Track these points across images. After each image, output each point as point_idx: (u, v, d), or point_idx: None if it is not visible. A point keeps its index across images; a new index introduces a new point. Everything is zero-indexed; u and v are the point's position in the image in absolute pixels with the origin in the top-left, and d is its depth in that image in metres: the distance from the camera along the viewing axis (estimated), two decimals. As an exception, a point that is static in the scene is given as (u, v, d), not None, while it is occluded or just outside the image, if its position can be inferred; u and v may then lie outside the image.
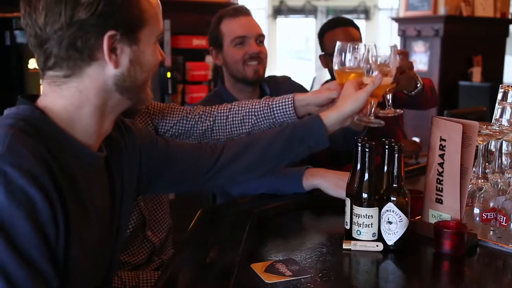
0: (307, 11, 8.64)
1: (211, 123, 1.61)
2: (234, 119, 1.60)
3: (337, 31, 2.25)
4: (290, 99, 1.55)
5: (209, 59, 4.13)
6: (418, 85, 1.90)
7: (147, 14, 1.03)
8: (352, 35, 2.23)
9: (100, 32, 0.96)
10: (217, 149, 1.35)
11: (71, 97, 1.00)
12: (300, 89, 2.16)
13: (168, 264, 1.24)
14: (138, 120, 1.60)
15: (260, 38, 1.95)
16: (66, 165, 0.95)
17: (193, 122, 1.62)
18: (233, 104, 1.64)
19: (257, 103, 1.60)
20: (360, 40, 2.24)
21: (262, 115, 1.58)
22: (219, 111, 1.62)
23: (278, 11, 8.55)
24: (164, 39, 3.71)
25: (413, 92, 1.91)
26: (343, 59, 1.50)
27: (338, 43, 1.51)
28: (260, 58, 1.93)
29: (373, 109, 1.47)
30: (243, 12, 1.96)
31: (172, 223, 1.74)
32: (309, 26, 8.84)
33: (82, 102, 1.00)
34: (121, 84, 1.02)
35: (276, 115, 1.57)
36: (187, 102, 4.10)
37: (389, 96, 1.61)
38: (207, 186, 1.41)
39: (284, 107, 1.56)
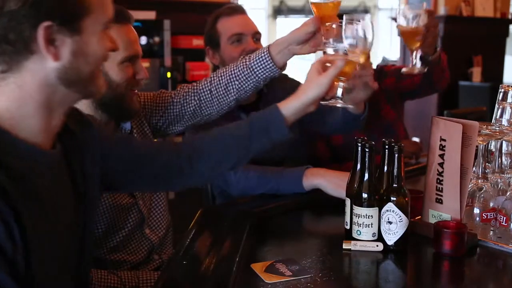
0: (307, 11, 8.62)
1: (197, 102, 1.63)
2: (218, 90, 1.61)
3: None
4: (265, 52, 1.55)
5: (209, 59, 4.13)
6: (437, 49, 1.94)
7: (90, 1, 0.96)
8: None
9: (33, 23, 0.90)
10: (179, 148, 1.32)
11: (11, 94, 0.95)
12: (296, 86, 2.15)
13: (167, 264, 1.24)
14: (135, 128, 1.61)
15: (256, 35, 1.96)
16: (13, 168, 0.91)
17: (180, 106, 1.64)
18: (213, 75, 1.64)
19: (235, 67, 1.60)
20: None
21: (244, 77, 1.58)
22: (201, 87, 1.63)
23: (278, 11, 8.54)
24: (164, 39, 3.71)
25: (431, 57, 1.93)
26: None
27: None
28: None
29: (341, 90, 1.40)
30: (239, 10, 1.98)
31: (171, 221, 1.73)
32: (309, 26, 8.83)
33: (23, 98, 0.95)
34: (64, 77, 0.96)
35: (257, 72, 1.56)
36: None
37: (414, 54, 1.67)
38: (177, 186, 1.39)
39: (262, 62, 1.55)
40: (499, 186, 1.42)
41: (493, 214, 1.39)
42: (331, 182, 1.62)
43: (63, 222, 1.03)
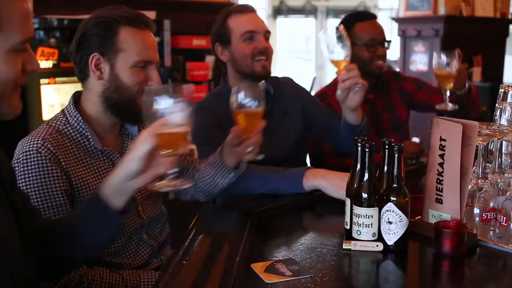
0: (307, 11, 8.64)
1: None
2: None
3: (371, 22, 2.40)
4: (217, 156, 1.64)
5: (209, 59, 4.12)
6: (466, 84, 2.22)
7: (1, 19, 0.92)
8: (381, 29, 2.42)
9: None
10: (42, 230, 1.21)
11: None
12: (303, 92, 2.18)
13: (168, 264, 1.24)
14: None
15: (267, 34, 1.98)
16: None
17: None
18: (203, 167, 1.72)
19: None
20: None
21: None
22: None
23: (278, 11, 8.55)
24: (164, 39, 3.71)
25: (462, 92, 2.20)
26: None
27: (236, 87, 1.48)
28: (268, 53, 1.96)
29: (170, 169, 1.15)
30: (250, 9, 2.00)
31: (170, 233, 1.74)
32: (309, 26, 8.83)
33: None
34: None
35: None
36: (187, 102, 4.09)
37: (448, 93, 2.02)
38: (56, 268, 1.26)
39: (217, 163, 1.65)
40: (499, 186, 1.42)
41: (493, 214, 1.39)
42: (332, 183, 1.62)
43: None
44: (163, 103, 1.09)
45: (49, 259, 1.20)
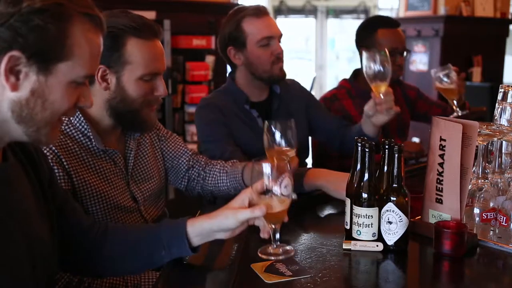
0: (307, 11, 8.63)
1: (202, 176, 1.76)
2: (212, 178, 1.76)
3: (395, 31, 2.37)
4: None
5: (209, 59, 4.12)
6: (462, 97, 2.31)
7: (70, 48, 0.93)
8: (403, 38, 2.42)
9: (3, 47, 0.88)
10: (92, 232, 1.24)
11: None
12: (308, 95, 2.19)
13: (167, 264, 1.24)
14: (147, 137, 1.66)
15: (280, 37, 1.98)
16: None
17: (188, 166, 1.75)
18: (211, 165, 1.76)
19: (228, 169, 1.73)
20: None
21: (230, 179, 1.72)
22: (206, 170, 1.77)
23: (278, 11, 8.54)
24: (164, 39, 3.71)
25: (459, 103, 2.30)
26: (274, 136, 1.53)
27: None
28: (283, 57, 1.97)
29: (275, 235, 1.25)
30: (265, 12, 1.98)
31: None
32: (309, 26, 8.83)
33: None
34: (18, 112, 0.92)
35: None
36: (187, 102, 4.10)
37: (455, 102, 2.22)
38: (82, 270, 1.29)
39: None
40: (499, 186, 1.42)
41: (493, 214, 1.39)
42: (333, 183, 1.62)
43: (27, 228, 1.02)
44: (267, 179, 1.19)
45: (86, 258, 1.23)
